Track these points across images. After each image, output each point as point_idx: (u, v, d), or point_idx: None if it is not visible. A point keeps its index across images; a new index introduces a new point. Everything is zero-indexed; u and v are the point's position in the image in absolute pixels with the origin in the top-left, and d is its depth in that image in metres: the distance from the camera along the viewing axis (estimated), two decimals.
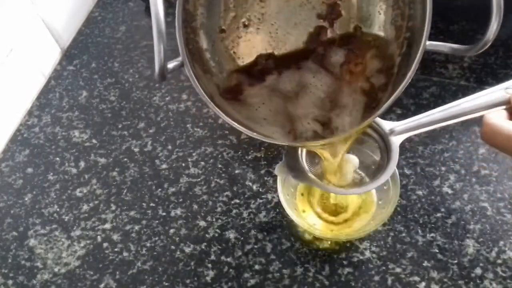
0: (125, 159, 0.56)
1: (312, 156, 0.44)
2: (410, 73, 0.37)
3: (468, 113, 0.38)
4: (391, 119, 0.55)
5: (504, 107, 0.37)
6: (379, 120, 0.42)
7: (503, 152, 0.37)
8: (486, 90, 0.38)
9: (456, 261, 0.45)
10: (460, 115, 0.38)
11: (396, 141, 0.41)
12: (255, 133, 0.37)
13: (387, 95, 0.39)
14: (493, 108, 0.37)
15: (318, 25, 0.44)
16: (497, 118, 0.36)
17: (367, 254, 0.46)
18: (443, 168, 0.51)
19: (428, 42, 0.39)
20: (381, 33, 0.43)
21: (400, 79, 0.38)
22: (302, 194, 0.49)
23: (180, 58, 0.37)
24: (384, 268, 0.45)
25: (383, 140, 0.42)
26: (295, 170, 0.42)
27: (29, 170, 0.57)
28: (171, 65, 0.35)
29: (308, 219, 0.47)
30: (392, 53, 0.42)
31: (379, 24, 0.44)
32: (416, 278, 0.44)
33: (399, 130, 0.41)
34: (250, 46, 0.44)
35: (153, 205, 0.52)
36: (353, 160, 0.43)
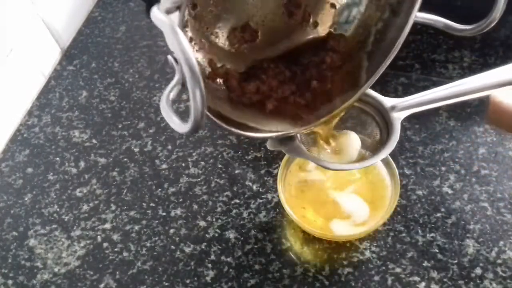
0: (125, 159, 0.56)
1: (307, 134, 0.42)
2: (397, 43, 0.37)
3: (475, 91, 0.37)
4: None
5: None
6: (379, 97, 0.41)
7: (510, 132, 0.36)
8: (493, 70, 0.37)
9: (456, 261, 0.45)
10: (466, 93, 0.37)
11: (397, 117, 0.39)
12: (247, 133, 0.36)
13: (375, 65, 0.39)
14: (500, 87, 0.36)
15: None
16: (504, 96, 0.35)
17: (367, 254, 0.46)
18: (443, 168, 0.51)
19: (418, 13, 0.37)
20: None
21: (386, 51, 0.38)
22: (303, 191, 0.49)
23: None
24: (384, 268, 0.45)
25: (384, 118, 0.41)
26: (288, 144, 0.40)
27: (29, 170, 0.57)
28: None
29: (308, 215, 0.47)
30: (370, 18, 0.40)
31: None
32: (416, 278, 0.44)
33: (401, 106, 0.40)
34: (223, 19, 0.41)
35: (153, 205, 0.52)
36: (355, 139, 0.41)
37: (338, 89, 0.41)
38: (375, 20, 0.40)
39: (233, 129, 0.36)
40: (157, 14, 0.27)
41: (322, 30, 0.43)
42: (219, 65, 0.41)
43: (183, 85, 0.30)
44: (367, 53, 0.41)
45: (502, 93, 0.36)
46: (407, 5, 0.37)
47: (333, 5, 0.43)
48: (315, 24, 0.44)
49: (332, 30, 0.43)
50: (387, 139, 0.39)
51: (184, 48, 0.25)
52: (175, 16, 0.28)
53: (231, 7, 0.41)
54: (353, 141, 0.41)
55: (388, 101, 0.40)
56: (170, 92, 0.29)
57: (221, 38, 0.41)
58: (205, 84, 0.37)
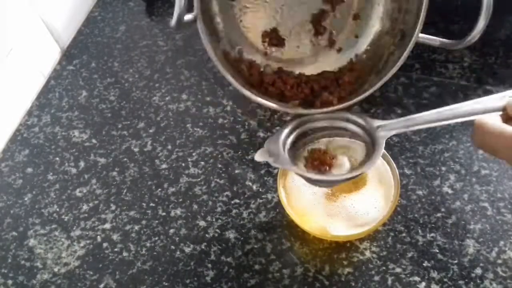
0: (125, 159, 0.56)
1: (296, 148, 0.45)
2: (400, 60, 0.44)
3: (460, 116, 0.39)
4: (391, 118, 0.55)
5: (499, 113, 0.37)
6: (367, 118, 0.44)
7: (495, 154, 0.36)
8: (481, 98, 0.39)
9: (456, 261, 0.45)
10: (451, 118, 0.39)
11: (383, 136, 0.42)
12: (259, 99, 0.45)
13: (377, 79, 0.46)
14: (485, 113, 0.38)
15: (321, 8, 0.49)
16: (489, 120, 0.37)
17: (367, 254, 0.46)
18: (443, 168, 0.51)
19: (420, 35, 0.44)
20: (377, 24, 0.50)
21: (390, 66, 0.45)
22: (302, 191, 0.49)
23: (193, 14, 0.41)
24: (384, 268, 0.45)
25: (371, 137, 0.43)
26: (275, 155, 0.42)
27: (29, 170, 0.56)
28: (186, 17, 0.39)
29: (308, 215, 0.47)
30: (385, 43, 0.49)
31: (377, 15, 0.50)
32: (416, 278, 0.44)
33: (387, 127, 0.42)
34: (256, 17, 0.49)
35: (153, 205, 0.52)
36: (344, 163, 0.44)
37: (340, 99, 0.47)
38: (388, 45, 0.48)
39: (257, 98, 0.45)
40: None
41: (345, 56, 0.51)
42: (247, 56, 0.50)
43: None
44: (376, 72, 0.48)
45: (487, 117, 0.37)
46: (413, 27, 0.45)
47: (356, 35, 0.51)
48: (339, 50, 0.52)
49: (352, 58, 0.51)
50: (372, 155, 0.42)
51: None
52: None
53: (263, 10, 0.49)
54: (342, 164, 0.44)
55: (375, 122, 0.43)
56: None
57: (251, 32, 0.50)
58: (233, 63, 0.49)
